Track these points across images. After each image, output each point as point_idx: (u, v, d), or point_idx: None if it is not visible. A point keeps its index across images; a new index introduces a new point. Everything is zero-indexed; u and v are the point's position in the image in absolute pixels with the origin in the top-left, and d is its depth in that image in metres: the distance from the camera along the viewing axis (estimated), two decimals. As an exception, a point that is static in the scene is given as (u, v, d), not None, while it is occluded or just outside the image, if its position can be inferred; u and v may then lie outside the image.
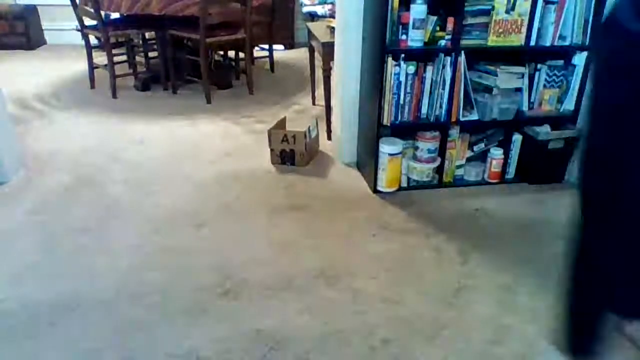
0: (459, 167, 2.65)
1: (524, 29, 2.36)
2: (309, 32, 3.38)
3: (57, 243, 2.16)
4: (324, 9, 4.56)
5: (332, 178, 2.75)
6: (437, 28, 2.31)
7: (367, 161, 2.67)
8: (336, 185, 2.68)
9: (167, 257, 2.08)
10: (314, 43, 3.30)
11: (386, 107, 2.40)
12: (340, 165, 2.89)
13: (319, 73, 3.24)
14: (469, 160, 2.67)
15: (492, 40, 2.36)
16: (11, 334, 1.68)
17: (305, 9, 4.78)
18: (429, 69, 2.36)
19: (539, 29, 2.37)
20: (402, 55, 2.32)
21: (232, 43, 3.98)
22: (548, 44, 2.40)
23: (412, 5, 2.22)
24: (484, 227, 2.30)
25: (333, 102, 3.04)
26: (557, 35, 2.39)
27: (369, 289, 1.90)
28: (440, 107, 2.44)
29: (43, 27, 5.44)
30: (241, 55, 4.39)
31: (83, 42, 3.93)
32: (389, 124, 2.45)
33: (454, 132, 2.54)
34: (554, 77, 2.51)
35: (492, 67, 2.45)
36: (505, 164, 2.65)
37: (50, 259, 2.06)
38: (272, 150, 2.87)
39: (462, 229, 2.29)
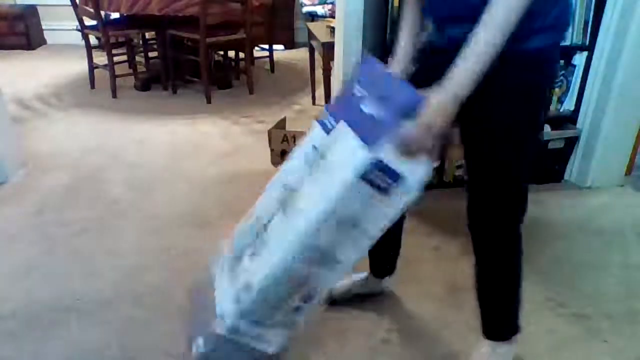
0: (459, 167, 2.65)
1: (524, 29, 2.35)
2: (309, 32, 3.39)
3: (57, 243, 2.15)
4: (324, 9, 4.56)
5: (332, 178, 2.75)
6: (437, 28, 2.31)
7: (367, 161, 2.66)
8: (336, 185, 2.67)
9: (167, 257, 2.08)
10: (314, 43, 3.30)
11: (386, 107, 2.40)
12: (340, 165, 2.88)
13: (319, 73, 3.24)
14: (469, 160, 2.67)
15: (492, 40, 2.36)
16: (11, 334, 1.68)
17: (305, 9, 4.78)
18: (429, 69, 2.36)
19: (539, 29, 2.37)
20: (402, 55, 2.31)
21: (232, 43, 3.98)
22: (548, 44, 2.40)
23: (412, 5, 2.21)
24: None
25: (333, 102, 3.03)
26: (557, 35, 2.39)
27: (369, 289, 1.89)
28: (440, 107, 2.43)
29: (43, 27, 5.44)
30: (241, 55, 4.39)
31: (83, 42, 3.93)
32: (389, 124, 2.44)
33: (454, 132, 2.54)
34: (554, 77, 2.51)
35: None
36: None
37: (50, 259, 2.06)
38: (272, 150, 2.87)
39: (462, 228, 2.27)
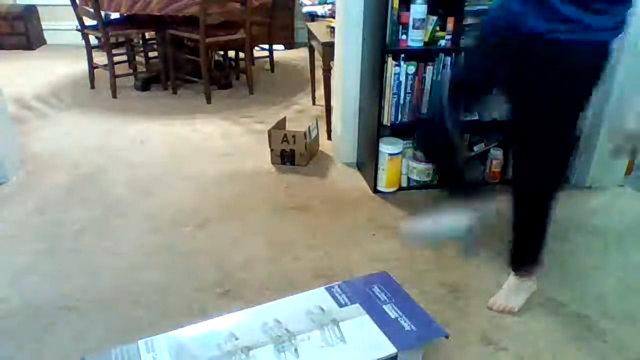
0: (459, 167, 2.65)
1: (524, 29, 2.35)
2: (309, 32, 3.38)
3: (57, 243, 2.16)
4: (324, 9, 4.55)
5: (332, 178, 2.75)
6: (437, 28, 2.31)
7: (367, 161, 2.67)
8: (336, 185, 2.68)
9: (167, 257, 2.08)
10: (314, 43, 3.30)
11: (386, 107, 2.40)
12: (340, 165, 2.89)
13: (319, 73, 3.24)
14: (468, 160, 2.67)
15: (492, 40, 2.36)
16: (11, 333, 1.68)
17: (305, 9, 4.77)
18: (429, 69, 2.36)
19: (539, 29, 2.37)
20: (402, 55, 2.32)
21: (232, 43, 3.98)
22: (548, 44, 2.40)
23: (412, 5, 2.22)
24: (484, 227, 2.30)
25: (333, 102, 3.04)
26: (557, 35, 2.39)
27: (369, 289, 1.89)
28: (440, 107, 2.43)
29: (43, 27, 5.43)
30: (241, 55, 4.39)
31: (83, 42, 3.93)
32: (389, 124, 2.45)
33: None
34: (554, 77, 2.51)
35: (492, 67, 2.45)
36: (505, 164, 2.64)
37: (50, 259, 2.06)
38: (272, 150, 2.87)
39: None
